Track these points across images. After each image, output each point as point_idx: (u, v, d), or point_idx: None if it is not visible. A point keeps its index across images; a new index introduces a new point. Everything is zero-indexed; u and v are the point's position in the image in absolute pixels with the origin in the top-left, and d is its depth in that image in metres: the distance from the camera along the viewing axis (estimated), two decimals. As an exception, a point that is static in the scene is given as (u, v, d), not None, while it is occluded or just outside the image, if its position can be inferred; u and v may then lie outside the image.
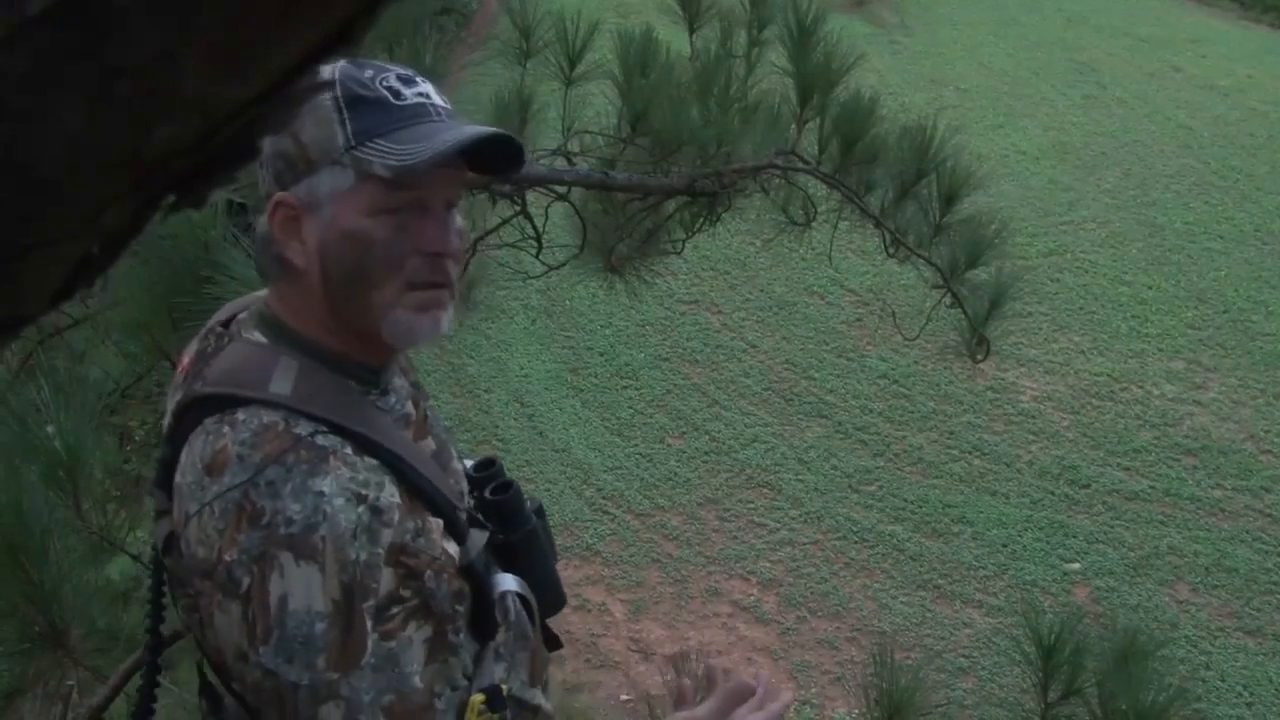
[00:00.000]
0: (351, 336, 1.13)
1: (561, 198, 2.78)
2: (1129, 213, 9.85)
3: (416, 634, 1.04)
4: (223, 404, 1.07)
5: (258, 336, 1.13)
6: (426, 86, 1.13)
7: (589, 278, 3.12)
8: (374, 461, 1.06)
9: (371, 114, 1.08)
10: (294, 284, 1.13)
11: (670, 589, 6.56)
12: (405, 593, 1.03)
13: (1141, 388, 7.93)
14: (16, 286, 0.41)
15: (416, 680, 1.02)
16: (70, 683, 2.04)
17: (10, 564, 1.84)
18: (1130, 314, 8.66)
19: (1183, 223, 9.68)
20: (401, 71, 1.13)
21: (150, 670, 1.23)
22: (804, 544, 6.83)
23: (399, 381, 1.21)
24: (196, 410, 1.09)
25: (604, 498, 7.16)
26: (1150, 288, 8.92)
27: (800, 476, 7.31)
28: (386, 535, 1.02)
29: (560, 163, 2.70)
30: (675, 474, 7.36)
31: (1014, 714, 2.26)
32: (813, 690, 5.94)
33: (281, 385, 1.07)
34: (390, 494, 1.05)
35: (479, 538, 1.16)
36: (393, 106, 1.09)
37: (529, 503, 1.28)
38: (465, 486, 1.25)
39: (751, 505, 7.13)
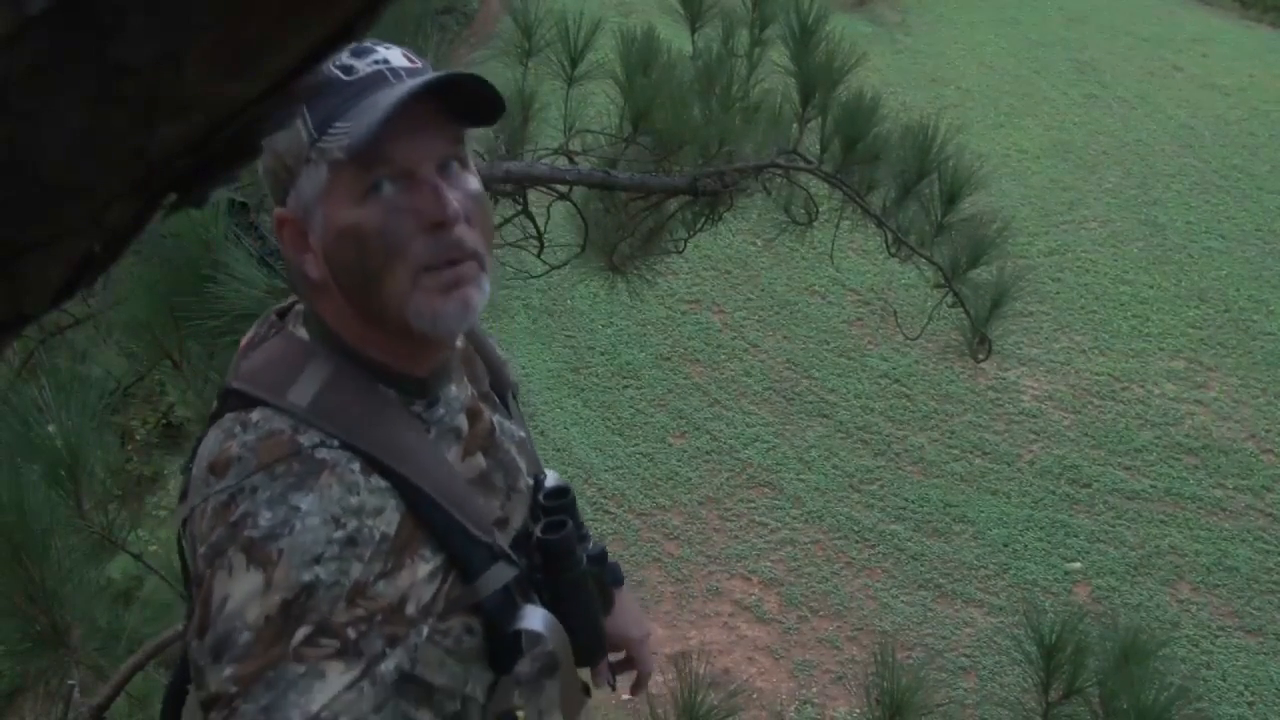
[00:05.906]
0: (394, 343, 1.08)
1: (563, 197, 2.78)
2: (1130, 212, 9.85)
3: (339, 677, 0.95)
4: (245, 401, 1.05)
5: (302, 333, 1.10)
6: (388, 52, 1.04)
7: (590, 277, 3.12)
8: (383, 483, 1.01)
9: (326, 99, 1.00)
10: (320, 298, 1.09)
11: (671, 588, 6.56)
12: (351, 632, 0.96)
13: (1143, 387, 7.92)
14: (18, 285, 0.41)
15: (296, 715, 0.92)
16: (71, 682, 2.04)
17: (12, 563, 1.84)
18: (1131, 313, 8.65)
19: (1184, 222, 9.67)
20: (358, 45, 1.02)
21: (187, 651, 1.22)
22: (805, 543, 6.83)
23: (454, 391, 1.14)
24: (226, 402, 1.08)
25: (605, 497, 7.16)
26: (1151, 287, 8.91)
27: (801, 476, 7.31)
28: (356, 570, 0.97)
29: (562, 162, 2.70)
30: (676, 473, 7.36)
31: (1015, 713, 2.26)
32: (814, 689, 5.94)
33: (302, 391, 1.04)
34: (386, 523, 1.00)
35: (502, 573, 1.09)
36: (345, 84, 1.00)
37: (590, 546, 1.22)
38: (521, 512, 1.18)
39: (752, 504, 7.13)
